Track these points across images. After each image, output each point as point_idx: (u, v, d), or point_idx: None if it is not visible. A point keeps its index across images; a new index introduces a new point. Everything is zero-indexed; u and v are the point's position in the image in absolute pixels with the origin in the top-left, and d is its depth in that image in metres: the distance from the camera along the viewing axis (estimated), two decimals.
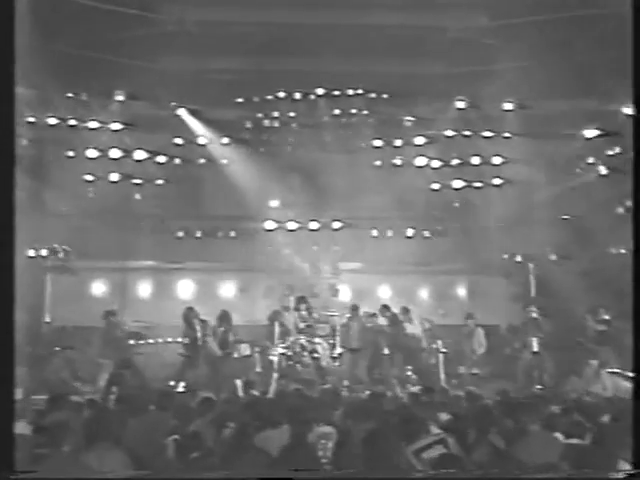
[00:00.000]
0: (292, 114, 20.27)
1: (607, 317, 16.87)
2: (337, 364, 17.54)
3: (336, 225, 20.57)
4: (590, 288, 18.32)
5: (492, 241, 20.09)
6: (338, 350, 17.59)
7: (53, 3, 15.70)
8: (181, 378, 15.90)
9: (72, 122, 19.42)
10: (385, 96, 20.08)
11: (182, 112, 20.39)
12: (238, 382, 14.60)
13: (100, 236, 19.50)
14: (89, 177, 19.62)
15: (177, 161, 20.54)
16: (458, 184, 20.50)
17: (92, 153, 19.60)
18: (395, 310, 18.28)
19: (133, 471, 6.50)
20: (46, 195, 18.65)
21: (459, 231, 20.81)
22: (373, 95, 20.11)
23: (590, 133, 18.99)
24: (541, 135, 19.62)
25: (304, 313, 18.02)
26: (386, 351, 17.29)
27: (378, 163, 20.67)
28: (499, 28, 17.79)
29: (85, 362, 16.22)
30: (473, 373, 17.64)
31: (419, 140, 20.51)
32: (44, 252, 18.60)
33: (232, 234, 20.80)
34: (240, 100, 19.98)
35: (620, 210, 18.42)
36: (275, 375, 16.27)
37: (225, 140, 20.61)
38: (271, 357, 16.84)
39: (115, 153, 19.83)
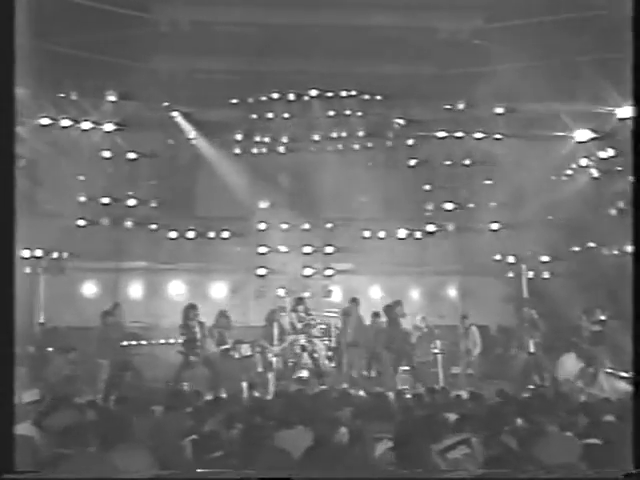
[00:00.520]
0: (286, 115, 20.28)
1: (603, 317, 16.98)
2: (333, 364, 17.59)
3: (328, 226, 20.61)
4: (582, 289, 18.44)
5: (484, 242, 20.18)
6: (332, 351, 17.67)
7: (43, 1, 15.62)
8: (181, 378, 15.86)
9: (64, 123, 19.39)
10: (378, 97, 20.14)
11: (175, 112, 20.34)
12: (244, 384, 14.61)
13: (92, 237, 19.46)
14: (81, 177, 19.62)
15: (169, 161, 20.54)
16: (450, 186, 20.66)
17: (84, 153, 19.64)
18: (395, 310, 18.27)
19: (158, 471, 6.49)
20: (38, 196, 18.57)
21: (451, 232, 20.79)
22: (367, 96, 20.17)
23: (582, 135, 19.11)
24: (533, 137, 19.75)
25: (302, 314, 17.99)
26: (384, 350, 17.32)
27: (370, 164, 20.72)
28: (492, 30, 17.87)
29: (82, 363, 16.12)
30: (468, 373, 17.68)
31: (411, 141, 20.64)
32: (38, 253, 18.53)
33: (225, 235, 20.73)
34: (234, 101, 19.97)
35: (612, 211, 18.56)
36: (272, 376, 16.28)
37: (218, 141, 20.57)
38: (270, 358, 16.85)
39: (107, 153, 19.87)
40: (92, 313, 18.17)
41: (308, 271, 20.34)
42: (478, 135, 20.54)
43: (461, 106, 20.05)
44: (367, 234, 20.83)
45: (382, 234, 20.84)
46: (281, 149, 20.58)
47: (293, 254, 20.43)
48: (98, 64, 18.02)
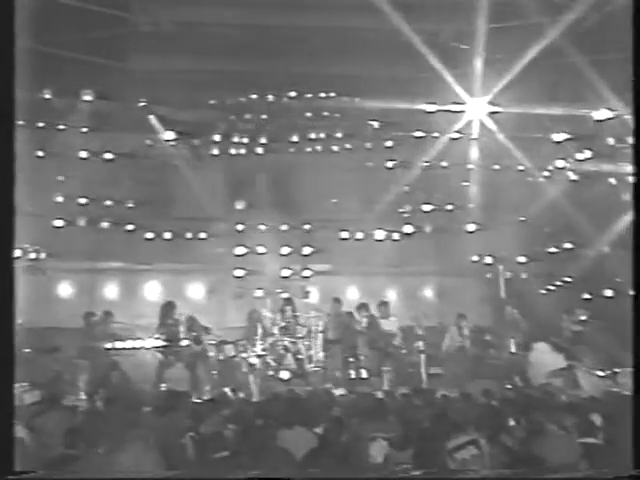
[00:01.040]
0: (264, 116, 20.28)
1: (584, 317, 17.17)
2: (313, 366, 17.60)
3: (306, 227, 20.62)
4: (559, 289, 18.65)
5: (462, 243, 20.32)
6: (315, 351, 17.68)
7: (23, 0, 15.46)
8: (161, 379, 15.80)
9: (41, 123, 19.28)
10: (357, 99, 20.20)
11: (152, 113, 20.25)
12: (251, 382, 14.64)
13: (69, 237, 19.35)
14: (59, 177, 19.51)
15: (147, 162, 20.45)
16: (427, 187, 20.79)
17: (61, 153, 19.55)
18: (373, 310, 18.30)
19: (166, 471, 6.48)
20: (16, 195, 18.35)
21: (429, 233, 20.89)
22: (345, 98, 20.22)
23: (559, 137, 19.29)
24: (510, 138, 19.90)
25: (289, 314, 17.97)
26: (365, 350, 17.35)
27: (349, 165, 20.76)
28: (472, 32, 17.99)
29: (66, 363, 15.99)
30: (437, 373, 17.68)
31: (389, 142, 20.73)
32: (17, 252, 18.33)
33: (202, 236, 20.66)
34: (212, 101, 19.93)
35: (590, 212, 18.77)
36: (253, 377, 16.25)
37: (196, 141, 20.52)
38: (251, 359, 16.82)
39: (84, 153, 19.77)
40: (70, 314, 18.19)
41: (286, 272, 20.35)
42: (455, 135, 20.65)
43: (437, 107, 20.15)
44: (345, 235, 20.87)
45: (360, 235, 20.91)
46: (259, 150, 20.57)
47: (271, 255, 20.41)
48: (77, 63, 17.93)
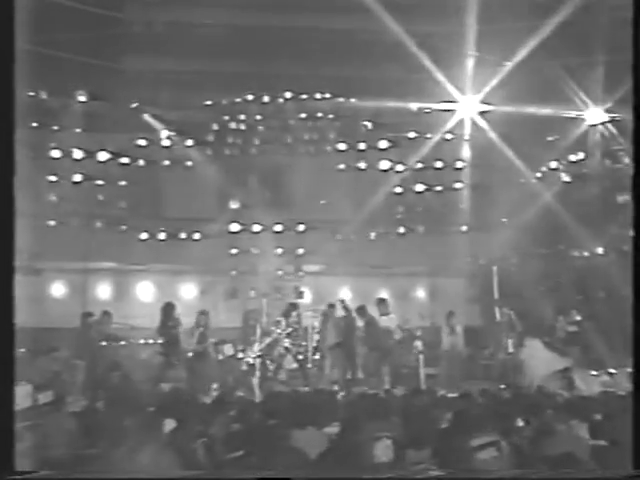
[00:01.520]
0: (259, 117, 20.33)
1: (578, 318, 17.31)
2: (311, 366, 17.66)
3: (300, 228, 20.68)
4: (552, 290, 18.77)
5: (454, 244, 20.43)
6: (314, 352, 17.73)
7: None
8: (162, 379, 15.80)
9: (33, 123, 19.24)
10: (352, 100, 20.28)
11: (146, 113, 20.25)
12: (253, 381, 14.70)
13: (62, 237, 19.31)
14: (52, 178, 19.48)
15: (140, 162, 20.43)
16: (420, 187, 20.89)
17: (54, 153, 19.53)
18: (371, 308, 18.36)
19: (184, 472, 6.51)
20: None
21: (422, 234, 20.99)
22: (340, 99, 20.29)
23: (552, 138, 19.46)
24: (503, 139, 20.02)
25: (294, 319, 17.97)
26: (365, 350, 17.40)
27: (342, 166, 20.84)
28: (465, 34, 18.10)
29: (64, 364, 15.96)
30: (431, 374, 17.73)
31: (382, 143, 20.81)
32: None
33: (196, 236, 20.68)
34: (207, 102, 19.94)
35: (582, 214, 18.93)
36: (254, 377, 16.28)
37: (190, 142, 20.52)
38: (251, 360, 16.85)
39: (77, 154, 19.74)
40: (65, 314, 18.20)
41: (280, 272, 20.40)
42: (448, 136, 20.76)
43: (429, 107, 20.27)
44: (338, 236, 20.94)
45: (353, 236, 20.98)
46: (253, 151, 20.61)
47: (265, 255, 20.46)
48: (70, 64, 17.92)
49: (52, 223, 19.37)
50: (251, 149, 20.60)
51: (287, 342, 17.49)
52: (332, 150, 20.79)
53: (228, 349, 17.25)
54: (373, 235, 21.05)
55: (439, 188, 20.97)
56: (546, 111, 18.71)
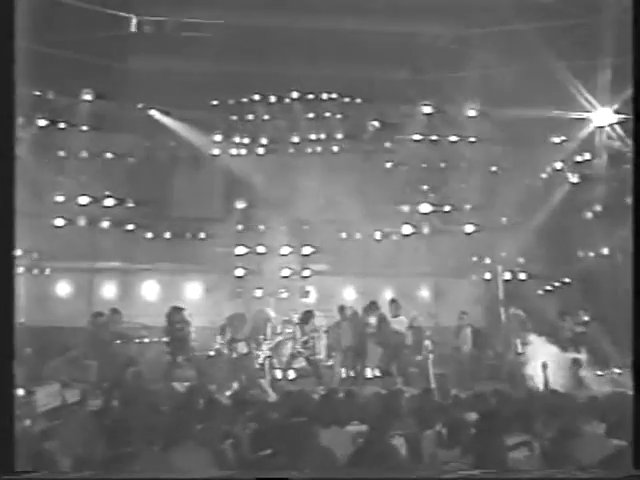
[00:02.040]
0: (266, 117, 20.40)
1: (586, 319, 17.40)
2: (330, 363, 17.71)
3: (306, 227, 20.71)
4: (559, 291, 18.88)
5: (460, 245, 20.53)
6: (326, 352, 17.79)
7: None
8: (171, 378, 15.87)
9: (41, 122, 19.31)
10: (358, 100, 20.36)
11: (154, 113, 20.30)
12: (263, 381, 14.72)
13: (69, 237, 19.37)
14: (60, 177, 19.56)
15: (147, 162, 20.51)
16: (426, 187, 21.03)
17: (61, 153, 19.60)
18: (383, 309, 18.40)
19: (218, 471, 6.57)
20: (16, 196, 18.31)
21: (427, 234, 21.06)
22: (347, 99, 20.37)
23: (557, 140, 19.54)
24: (508, 141, 20.13)
25: (309, 327, 17.95)
26: (377, 350, 17.46)
27: (349, 166, 20.93)
28: (472, 36, 18.19)
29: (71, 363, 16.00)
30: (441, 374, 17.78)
31: (388, 144, 20.92)
32: (18, 252, 18.27)
33: (201, 236, 20.74)
34: (214, 102, 20.01)
35: (589, 215, 19.02)
36: (267, 377, 16.34)
37: (197, 142, 20.56)
38: (264, 359, 16.93)
39: (84, 154, 19.80)
40: (72, 313, 18.31)
41: (285, 272, 20.45)
42: (453, 138, 20.85)
43: (437, 109, 20.37)
44: (344, 235, 21.03)
45: (358, 235, 21.07)
46: (260, 150, 20.68)
47: (270, 255, 20.51)
48: (77, 63, 17.93)
49: (59, 223, 19.39)
50: (258, 149, 20.66)
51: (300, 346, 17.53)
52: (339, 150, 20.88)
53: (242, 347, 17.28)
54: (379, 235, 21.11)
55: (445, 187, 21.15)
56: (552, 112, 18.80)
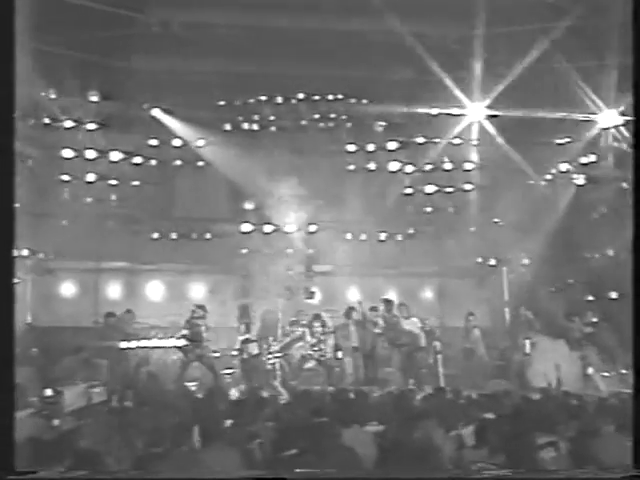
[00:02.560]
0: (272, 117, 20.43)
1: (594, 319, 17.48)
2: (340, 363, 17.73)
3: (311, 228, 20.76)
4: (566, 292, 18.93)
5: (464, 245, 20.60)
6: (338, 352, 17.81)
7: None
8: (183, 378, 15.91)
9: (46, 121, 19.34)
10: (364, 101, 20.40)
11: (159, 113, 20.32)
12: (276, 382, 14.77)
13: (75, 237, 19.38)
14: (65, 177, 19.59)
15: (153, 162, 20.53)
16: (430, 189, 21.09)
17: (67, 153, 19.61)
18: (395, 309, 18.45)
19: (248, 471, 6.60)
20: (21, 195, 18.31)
21: (431, 235, 21.13)
22: (352, 100, 20.41)
23: (562, 141, 19.61)
24: (513, 142, 20.17)
25: (318, 329, 17.97)
26: (386, 351, 17.51)
27: (352, 167, 21.02)
28: (477, 37, 18.21)
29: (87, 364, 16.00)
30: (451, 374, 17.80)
31: (392, 145, 20.98)
32: (25, 252, 18.28)
33: (207, 236, 20.77)
34: (222, 103, 20.03)
35: (594, 216, 19.10)
36: (278, 378, 16.38)
37: (202, 142, 20.59)
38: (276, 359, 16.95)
39: (91, 154, 19.81)
40: (81, 313, 18.38)
41: (290, 272, 20.47)
42: (456, 141, 20.91)
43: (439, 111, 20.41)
44: (349, 236, 21.08)
45: (363, 236, 21.12)
46: (265, 151, 20.65)
47: (275, 255, 20.53)
48: (82, 63, 17.96)
49: (65, 222, 19.42)
50: (262, 149, 20.67)
51: (310, 347, 17.54)
52: (344, 151, 20.92)
53: (253, 348, 17.30)
54: (383, 236, 21.17)
55: (449, 189, 21.22)
56: (558, 113, 18.86)
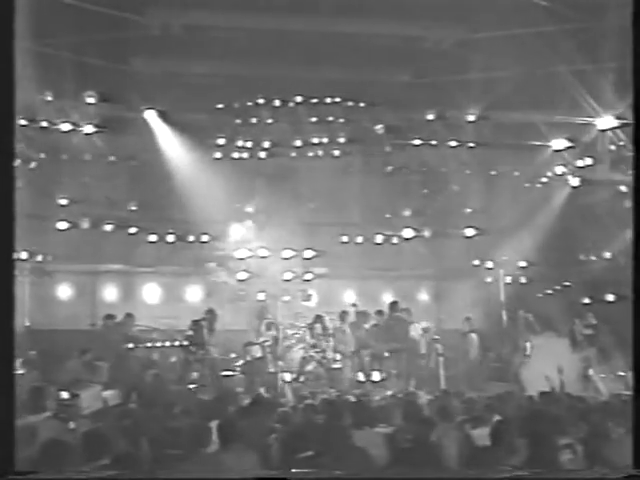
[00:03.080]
0: (269, 120, 20.42)
1: (594, 321, 17.56)
2: (338, 366, 17.78)
3: (307, 231, 20.76)
4: (565, 294, 19.02)
5: (460, 248, 20.70)
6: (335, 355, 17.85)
7: (32, 2, 15.38)
8: (184, 379, 15.94)
9: (43, 124, 19.28)
10: (362, 104, 20.42)
11: (155, 116, 20.27)
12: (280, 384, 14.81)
13: (73, 239, 19.40)
14: (63, 179, 19.59)
15: (149, 164, 20.53)
16: (426, 192, 21.21)
17: (64, 155, 19.61)
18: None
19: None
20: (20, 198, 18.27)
21: (427, 238, 21.17)
22: (350, 103, 20.42)
23: (558, 144, 19.68)
24: (508, 145, 20.26)
25: (318, 331, 18.00)
26: (386, 354, 17.57)
27: (350, 170, 21.06)
28: (476, 41, 18.28)
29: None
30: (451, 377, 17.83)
31: (390, 147, 21.02)
32: (23, 255, 18.23)
33: (204, 238, 20.76)
34: (219, 105, 19.99)
35: (590, 218, 19.19)
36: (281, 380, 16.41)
37: (200, 145, 20.55)
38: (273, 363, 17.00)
39: (87, 156, 19.80)
40: (75, 315, 18.37)
41: (287, 275, 20.49)
42: (453, 143, 20.95)
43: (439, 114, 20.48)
44: (345, 239, 21.10)
45: (360, 239, 21.16)
46: (262, 154, 20.68)
47: (272, 258, 20.54)
48: (81, 65, 17.93)
49: (63, 225, 19.40)
50: (260, 152, 20.67)
51: (311, 350, 17.60)
52: (341, 153, 20.94)
53: (256, 351, 17.33)
54: (380, 238, 21.20)
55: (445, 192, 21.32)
56: (554, 117, 18.92)
